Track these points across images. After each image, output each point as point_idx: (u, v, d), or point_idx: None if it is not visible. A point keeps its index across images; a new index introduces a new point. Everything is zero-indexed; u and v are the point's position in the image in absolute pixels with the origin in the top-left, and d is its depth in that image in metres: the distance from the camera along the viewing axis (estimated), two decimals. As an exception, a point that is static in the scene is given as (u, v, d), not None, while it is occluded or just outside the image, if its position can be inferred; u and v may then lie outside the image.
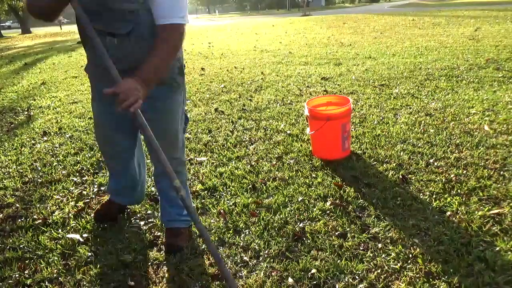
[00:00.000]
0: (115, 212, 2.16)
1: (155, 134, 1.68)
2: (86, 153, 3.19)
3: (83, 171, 2.86)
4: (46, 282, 1.72)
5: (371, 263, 1.71)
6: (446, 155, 2.67)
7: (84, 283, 1.71)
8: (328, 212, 2.11)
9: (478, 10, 16.06)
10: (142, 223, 2.13)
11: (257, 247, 1.87)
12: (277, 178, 2.53)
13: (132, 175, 2.02)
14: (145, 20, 1.46)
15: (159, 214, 2.04)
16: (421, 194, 2.23)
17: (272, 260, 1.77)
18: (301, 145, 3.03)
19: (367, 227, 1.96)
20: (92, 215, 2.18)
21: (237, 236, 1.97)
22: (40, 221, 2.21)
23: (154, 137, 1.69)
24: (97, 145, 2.04)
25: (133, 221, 2.16)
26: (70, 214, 2.26)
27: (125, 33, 1.47)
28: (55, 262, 1.85)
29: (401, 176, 2.42)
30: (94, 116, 1.84)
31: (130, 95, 1.31)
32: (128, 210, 2.25)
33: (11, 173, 2.92)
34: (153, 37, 1.47)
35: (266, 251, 1.84)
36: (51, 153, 3.27)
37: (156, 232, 2.05)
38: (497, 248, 1.73)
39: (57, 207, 2.37)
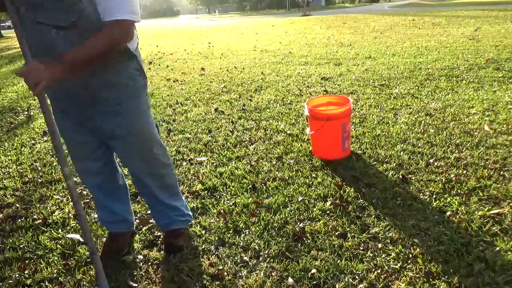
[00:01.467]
0: (122, 242, 1.94)
1: (131, 138, 1.65)
2: (86, 153, 3.19)
3: (83, 171, 2.86)
4: (46, 282, 1.73)
5: (371, 263, 1.71)
6: (446, 155, 2.67)
7: (84, 283, 1.71)
8: (328, 212, 2.11)
9: (478, 10, 16.06)
10: (142, 223, 2.13)
11: (257, 247, 1.87)
12: (277, 178, 2.53)
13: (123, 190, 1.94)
14: (90, 10, 1.40)
15: (155, 221, 1.97)
16: (421, 194, 2.23)
17: (272, 260, 1.77)
18: (301, 145, 3.03)
19: (367, 227, 1.96)
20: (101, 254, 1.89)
21: (237, 236, 1.97)
22: (40, 221, 2.21)
23: (130, 143, 1.65)
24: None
25: (133, 221, 2.16)
26: (70, 214, 2.26)
27: (70, 25, 1.39)
28: (55, 262, 1.85)
29: (401, 176, 2.42)
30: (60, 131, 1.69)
31: (31, 76, 1.30)
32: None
33: (11, 173, 2.92)
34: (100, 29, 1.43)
35: (266, 251, 1.84)
36: (51, 153, 3.27)
37: (156, 232, 2.05)
38: (497, 248, 1.73)
39: (57, 207, 2.38)
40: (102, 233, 2.06)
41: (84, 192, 2.53)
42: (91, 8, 1.39)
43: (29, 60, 1.37)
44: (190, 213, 2.00)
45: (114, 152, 1.80)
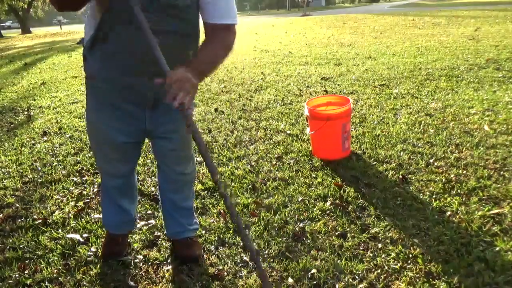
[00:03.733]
0: (123, 244, 1.91)
1: (176, 140, 1.64)
2: (86, 153, 3.19)
3: (83, 171, 2.86)
4: (46, 282, 1.72)
5: (371, 263, 1.71)
6: (446, 155, 2.67)
7: (84, 283, 1.70)
8: (328, 212, 2.11)
9: (478, 10, 16.06)
10: (142, 223, 2.13)
11: (257, 247, 1.86)
12: (277, 178, 2.53)
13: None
14: (193, 18, 1.38)
15: (165, 226, 1.92)
16: (421, 194, 2.23)
17: (272, 260, 1.77)
18: (301, 145, 3.03)
19: (367, 227, 1.96)
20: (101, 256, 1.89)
21: (237, 236, 1.97)
22: (40, 221, 2.21)
23: (180, 147, 1.66)
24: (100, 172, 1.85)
25: (133, 221, 2.16)
26: (70, 214, 2.26)
27: (170, 30, 1.33)
28: (55, 262, 1.85)
29: (401, 176, 2.42)
30: (97, 141, 1.64)
31: (181, 87, 1.17)
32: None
33: (11, 173, 2.92)
34: (195, 37, 1.42)
35: (266, 251, 1.84)
36: (51, 153, 3.27)
37: (156, 232, 2.05)
38: (497, 248, 1.73)
39: (57, 207, 2.37)
40: (102, 233, 2.06)
41: (84, 192, 2.53)
42: (193, 16, 1.36)
43: (165, 66, 1.21)
44: (197, 221, 1.98)
45: (154, 149, 1.75)
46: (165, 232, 1.96)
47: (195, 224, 1.91)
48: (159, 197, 1.95)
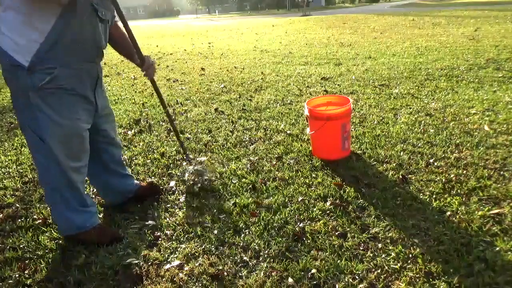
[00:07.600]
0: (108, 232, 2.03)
1: (111, 111, 2.04)
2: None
3: (83, 171, 2.86)
4: (46, 282, 1.72)
5: (371, 263, 1.71)
6: (446, 155, 2.67)
7: (84, 283, 1.71)
8: (328, 212, 2.11)
9: (478, 10, 16.06)
10: (142, 223, 2.13)
11: (257, 247, 1.87)
12: (277, 178, 2.53)
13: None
14: None
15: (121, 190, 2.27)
16: (421, 194, 2.23)
17: (272, 260, 1.78)
18: (301, 145, 3.03)
19: (367, 227, 1.96)
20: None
21: (237, 236, 1.97)
22: (40, 221, 2.21)
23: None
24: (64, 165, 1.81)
25: (133, 221, 2.16)
26: (70, 214, 2.26)
27: (109, 19, 1.77)
28: (55, 262, 1.85)
29: (401, 176, 2.42)
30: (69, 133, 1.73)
31: (153, 71, 2.10)
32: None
33: (11, 173, 2.92)
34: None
35: (266, 251, 1.84)
36: (51, 153, 3.26)
37: (156, 232, 2.05)
38: (497, 248, 1.73)
39: (57, 207, 2.37)
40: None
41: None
42: None
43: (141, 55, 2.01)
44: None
45: (101, 130, 1.99)
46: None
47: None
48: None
